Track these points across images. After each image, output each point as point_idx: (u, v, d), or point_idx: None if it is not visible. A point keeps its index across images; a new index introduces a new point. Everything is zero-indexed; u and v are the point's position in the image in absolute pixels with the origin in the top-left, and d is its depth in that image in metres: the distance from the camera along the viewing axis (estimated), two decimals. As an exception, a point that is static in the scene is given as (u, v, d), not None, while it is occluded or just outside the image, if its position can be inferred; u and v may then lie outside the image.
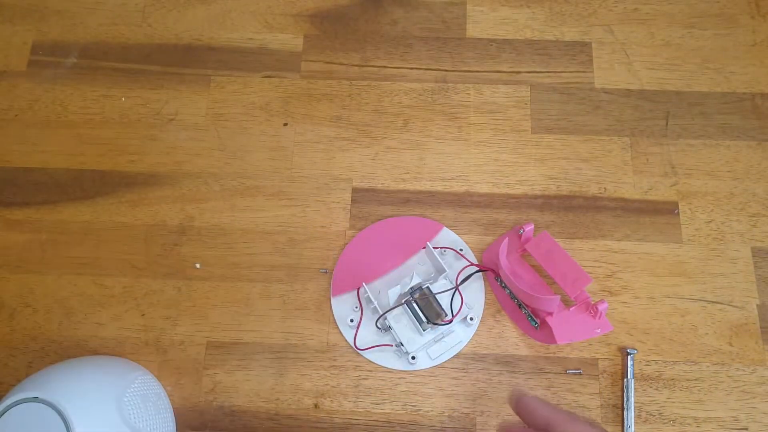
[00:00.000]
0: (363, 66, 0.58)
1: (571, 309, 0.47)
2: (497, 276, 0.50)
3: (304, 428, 0.48)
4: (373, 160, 0.55)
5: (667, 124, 0.56)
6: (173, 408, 0.48)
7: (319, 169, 0.55)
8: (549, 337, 0.47)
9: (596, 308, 0.46)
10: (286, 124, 0.56)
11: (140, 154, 0.55)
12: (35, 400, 0.39)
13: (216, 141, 0.56)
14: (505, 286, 0.49)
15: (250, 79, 0.58)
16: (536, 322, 0.48)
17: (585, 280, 0.46)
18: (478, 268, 0.50)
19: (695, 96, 0.56)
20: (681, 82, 0.57)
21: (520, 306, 0.49)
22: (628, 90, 0.57)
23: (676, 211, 0.53)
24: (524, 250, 0.50)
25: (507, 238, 0.48)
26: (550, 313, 0.47)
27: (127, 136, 0.56)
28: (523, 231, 0.48)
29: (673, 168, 0.54)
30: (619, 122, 0.56)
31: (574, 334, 0.47)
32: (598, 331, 0.47)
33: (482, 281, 0.51)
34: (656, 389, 0.48)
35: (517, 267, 0.50)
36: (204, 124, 0.56)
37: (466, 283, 0.50)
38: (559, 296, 0.45)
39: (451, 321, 0.48)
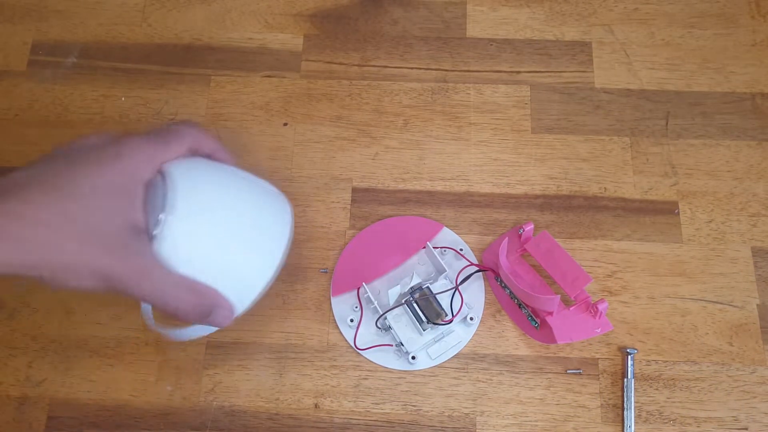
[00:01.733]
0: (363, 66, 0.58)
1: (571, 308, 0.47)
2: (497, 276, 0.50)
3: (304, 428, 0.48)
4: (373, 159, 0.55)
5: (667, 124, 0.55)
6: (174, 408, 0.48)
7: (319, 168, 0.55)
8: (549, 337, 0.47)
9: (596, 308, 0.46)
10: (286, 124, 0.56)
11: None
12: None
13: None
14: (505, 286, 0.49)
15: (250, 79, 0.58)
16: (536, 322, 0.48)
17: (585, 279, 0.46)
18: (477, 268, 0.50)
19: (695, 96, 0.56)
20: (681, 82, 0.57)
21: (520, 306, 0.49)
22: (628, 90, 0.56)
23: (676, 211, 0.53)
24: (524, 249, 0.50)
25: (507, 238, 0.48)
26: (550, 313, 0.47)
27: None
28: (523, 231, 0.48)
29: (673, 168, 0.54)
30: (619, 122, 0.56)
31: (574, 333, 0.47)
32: (598, 330, 0.47)
33: (482, 281, 0.51)
34: (656, 389, 0.48)
35: (516, 267, 0.50)
36: (204, 124, 0.56)
37: (466, 283, 0.50)
38: (558, 296, 0.45)
39: (451, 321, 0.48)
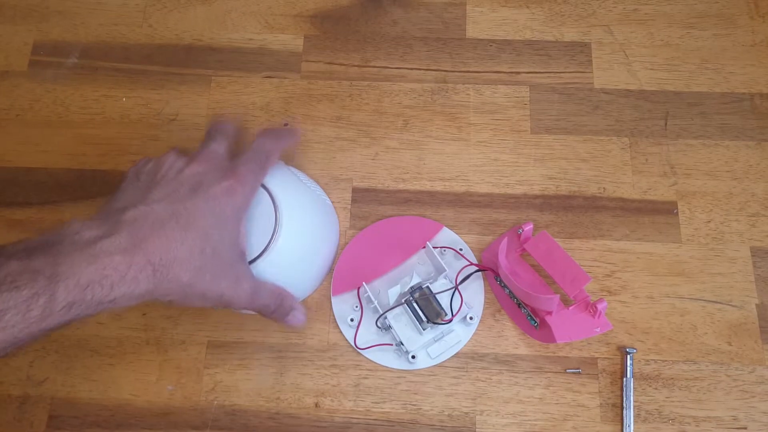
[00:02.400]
0: (363, 66, 0.58)
1: (570, 308, 0.47)
2: (497, 275, 0.50)
3: (305, 427, 0.48)
4: (373, 160, 0.55)
5: (666, 124, 0.55)
6: (175, 407, 0.48)
7: (319, 169, 0.55)
8: (548, 336, 0.47)
9: (595, 307, 0.47)
10: (286, 125, 0.56)
11: (142, 154, 0.55)
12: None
13: (217, 141, 0.56)
14: (505, 286, 0.49)
15: (250, 80, 0.58)
16: (536, 322, 0.48)
17: (584, 279, 0.46)
18: (477, 268, 0.50)
19: (694, 96, 0.56)
20: (680, 82, 0.57)
21: (519, 305, 0.49)
22: (628, 90, 0.56)
23: (675, 211, 0.53)
24: (523, 249, 0.51)
25: (506, 238, 0.49)
26: (549, 313, 0.47)
27: (129, 136, 0.56)
28: (522, 231, 0.49)
29: (672, 168, 0.54)
30: (618, 122, 0.56)
31: (573, 333, 0.47)
32: (598, 330, 0.47)
33: (482, 281, 0.51)
34: (655, 388, 0.48)
35: (516, 266, 0.51)
36: (205, 124, 0.56)
37: (465, 282, 0.50)
38: (558, 295, 0.45)
39: (450, 320, 0.48)
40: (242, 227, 0.41)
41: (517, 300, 0.49)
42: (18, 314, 0.31)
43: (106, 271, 0.33)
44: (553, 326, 0.46)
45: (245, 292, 0.40)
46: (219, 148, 0.43)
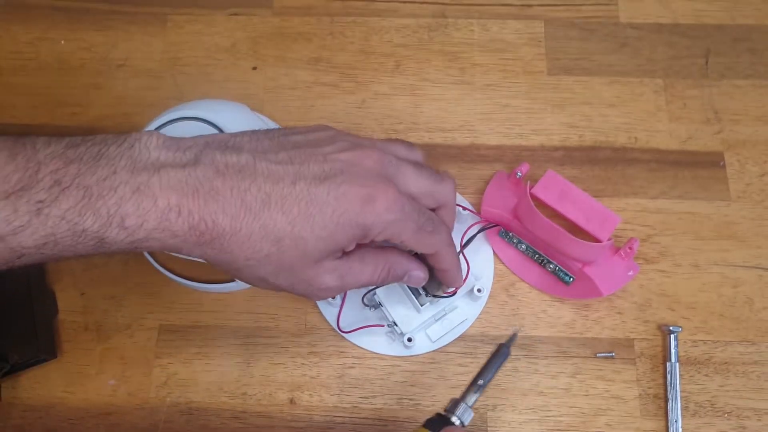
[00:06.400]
0: None
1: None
2: (507, 231, 0.44)
3: (278, 428, 0.42)
4: (360, 108, 0.49)
5: (707, 62, 0.49)
6: (118, 406, 0.42)
7: (295, 119, 0.49)
8: (587, 291, 0.42)
9: (630, 248, 0.41)
10: (255, 68, 0.50)
11: (82, 105, 0.50)
12: (198, 119, 0.40)
13: (173, 89, 0.50)
14: (520, 241, 0.43)
15: (213, 18, 0.51)
16: (571, 277, 0.42)
17: (614, 219, 0.41)
18: (482, 225, 0.43)
19: (740, 30, 0.50)
20: (722, 13, 0.50)
21: (542, 263, 0.43)
22: (660, 24, 0.50)
23: (721, 163, 0.47)
24: (530, 197, 0.44)
25: (496, 174, 0.44)
26: (588, 263, 0.41)
27: (67, 85, 0.50)
28: (521, 173, 0.43)
29: (716, 113, 0.48)
30: (650, 62, 0.50)
31: (614, 282, 0.42)
32: (631, 273, 0.42)
33: (491, 251, 0.44)
34: (706, 375, 0.41)
35: (530, 217, 0.44)
36: (159, 70, 0.50)
37: (472, 251, 0.43)
38: (612, 240, 0.40)
39: (454, 293, 0.41)
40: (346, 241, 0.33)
41: (539, 256, 0.43)
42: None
43: (144, 205, 0.29)
44: (596, 278, 0.41)
45: (324, 290, 0.34)
46: (405, 153, 0.35)
